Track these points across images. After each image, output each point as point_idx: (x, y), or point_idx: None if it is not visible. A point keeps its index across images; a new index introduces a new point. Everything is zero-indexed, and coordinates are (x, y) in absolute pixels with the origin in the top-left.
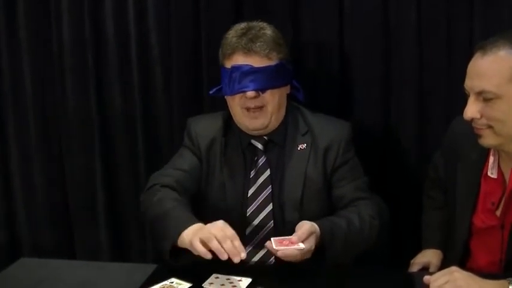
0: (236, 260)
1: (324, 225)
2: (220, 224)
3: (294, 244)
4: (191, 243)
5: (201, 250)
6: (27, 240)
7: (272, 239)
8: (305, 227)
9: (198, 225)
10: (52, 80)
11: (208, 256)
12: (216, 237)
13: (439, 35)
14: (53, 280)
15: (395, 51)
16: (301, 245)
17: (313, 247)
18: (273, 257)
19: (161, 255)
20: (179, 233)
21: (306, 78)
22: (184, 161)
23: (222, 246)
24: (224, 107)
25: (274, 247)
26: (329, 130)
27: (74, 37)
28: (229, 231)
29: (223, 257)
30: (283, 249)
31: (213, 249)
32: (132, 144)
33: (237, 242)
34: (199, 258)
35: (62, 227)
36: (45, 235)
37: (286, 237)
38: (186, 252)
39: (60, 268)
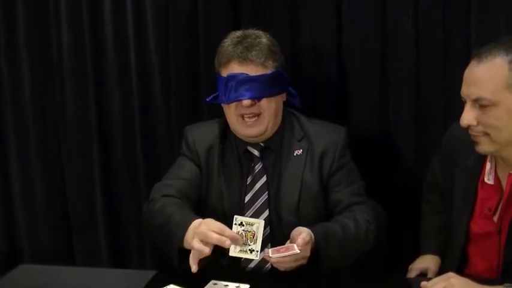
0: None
1: (318, 231)
2: (209, 220)
3: (289, 250)
4: (192, 246)
5: (198, 247)
6: (26, 246)
7: (270, 249)
8: (302, 235)
9: (194, 224)
10: (51, 85)
11: (207, 251)
12: (214, 231)
13: (436, 39)
14: (52, 286)
15: (392, 57)
16: (296, 249)
17: (308, 254)
18: (270, 263)
19: (162, 261)
20: (182, 237)
21: (303, 83)
22: (184, 170)
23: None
24: (222, 113)
25: (270, 255)
26: (324, 135)
27: (73, 42)
28: (219, 224)
29: (227, 244)
30: (277, 256)
31: (214, 242)
32: (130, 150)
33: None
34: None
35: (61, 233)
36: (44, 241)
37: (283, 246)
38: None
39: (60, 274)
